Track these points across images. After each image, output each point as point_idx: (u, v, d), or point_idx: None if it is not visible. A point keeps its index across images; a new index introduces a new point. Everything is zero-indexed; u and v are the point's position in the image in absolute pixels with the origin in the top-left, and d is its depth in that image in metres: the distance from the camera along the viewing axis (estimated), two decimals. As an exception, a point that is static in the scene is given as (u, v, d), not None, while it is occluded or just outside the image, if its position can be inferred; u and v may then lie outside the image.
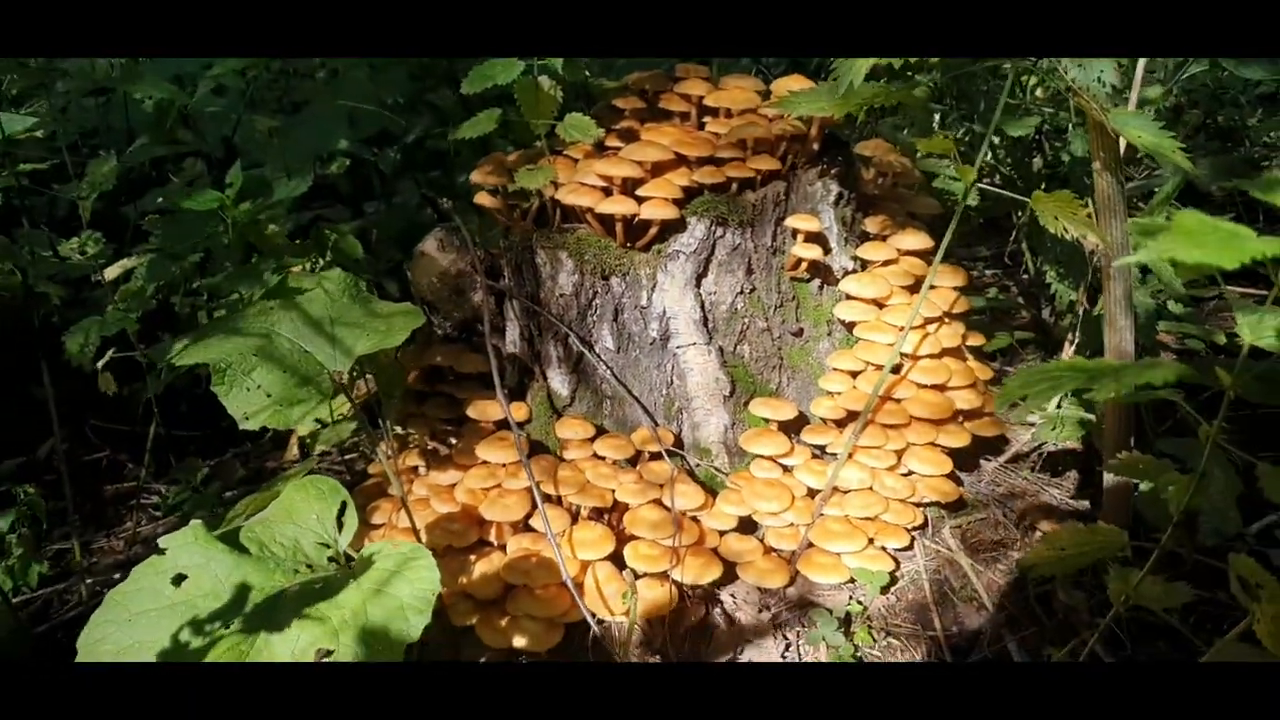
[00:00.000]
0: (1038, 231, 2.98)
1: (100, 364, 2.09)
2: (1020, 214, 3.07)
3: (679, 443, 2.03)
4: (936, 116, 3.47)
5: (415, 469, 2.11)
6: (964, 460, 2.26)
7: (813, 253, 1.91)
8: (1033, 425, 2.42)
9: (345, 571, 1.42)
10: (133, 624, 1.31)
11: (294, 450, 2.84)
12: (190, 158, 3.32)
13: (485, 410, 2.04)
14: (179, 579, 1.35)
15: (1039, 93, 3.82)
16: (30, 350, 3.16)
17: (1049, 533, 1.16)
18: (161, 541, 1.38)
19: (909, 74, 2.28)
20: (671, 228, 1.92)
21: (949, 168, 2.84)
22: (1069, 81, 1.53)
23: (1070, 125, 2.75)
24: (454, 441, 2.14)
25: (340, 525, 1.50)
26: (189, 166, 3.42)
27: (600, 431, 2.04)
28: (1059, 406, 2.13)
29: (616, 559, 1.84)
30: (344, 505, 1.51)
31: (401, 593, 1.35)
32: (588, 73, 2.05)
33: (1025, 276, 3.35)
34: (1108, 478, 1.81)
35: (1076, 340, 2.22)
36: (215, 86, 3.37)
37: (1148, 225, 0.92)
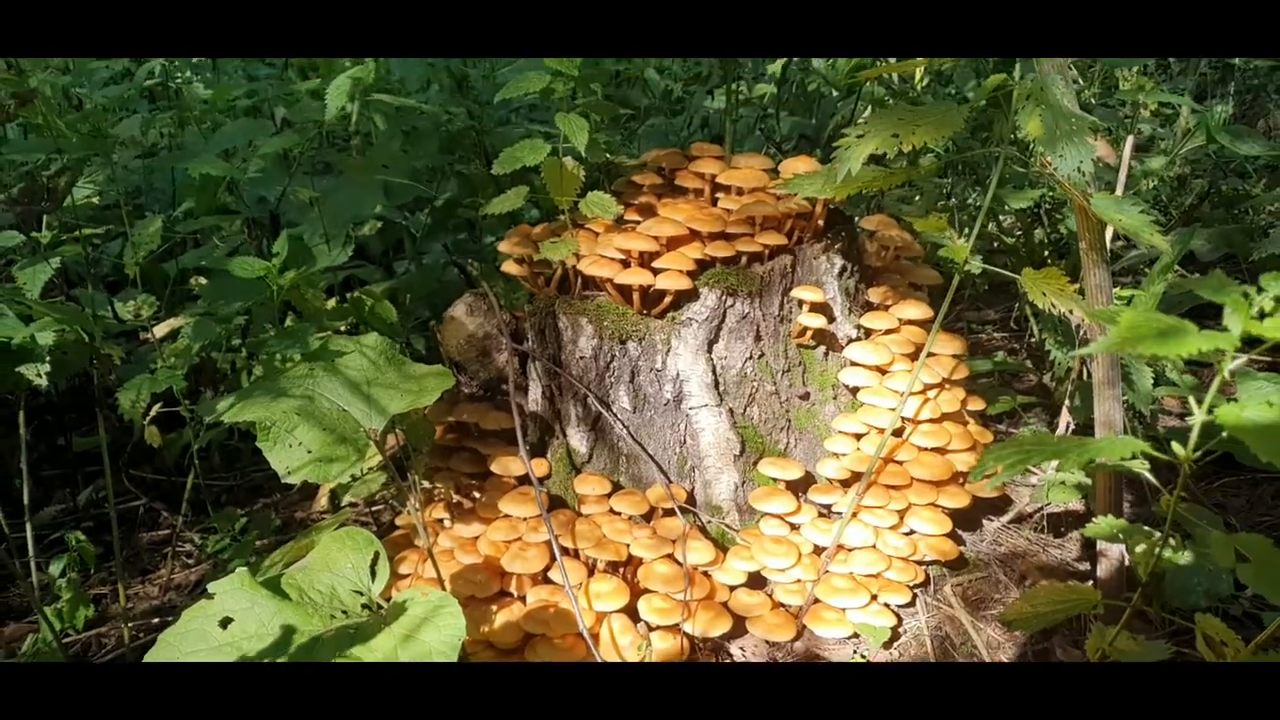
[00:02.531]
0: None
1: (148, 419, 2.23)
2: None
3: (691, 500, 2.13)
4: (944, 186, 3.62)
5: (441, 521, 2.22)
6: (967, 520, 2.35)
7: (817, 321, 2.04)
8: (1034, 486, 2.50)
9: (377, 618, 1.52)
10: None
11: (322, 501, 2.96)
12: (229, 215, 3.49)
13: (508, 466, 2.15)
14: (226, 622, 1.46)
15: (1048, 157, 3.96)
16: (73, 403, 3.32)
17: (1028, 590, 1.24)
18: (210, 587, 1.50)
19: (907, 154, 2.42)
20: (685, 297, 2.05)
21: (952, 238, 2.98)
22: (1050, 170, 1.65)
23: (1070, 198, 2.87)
24: (477, 495, 2.25)
25: (373, 574, 1.61)
26: (226, 226, 3.60)
27: (616, 488, 2.14)
28: (1056, 469, 2.22)
29: (630, 611, 1.94)
30: (377, 555, 1.62)
31: (430, 639, 1.45)
32: (609, 155, 2.20)
33: (1031, 340, 3.45)
34: (1100, 540, 1.89)
35: (1073, 405, 2.31)
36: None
37: (1106, 314, 1.03)
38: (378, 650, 1.44)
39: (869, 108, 3.65)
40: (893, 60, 3.29)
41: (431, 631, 1.47)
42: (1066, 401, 2.26)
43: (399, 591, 1.55)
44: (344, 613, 1.55)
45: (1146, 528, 1.26)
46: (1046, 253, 3.23)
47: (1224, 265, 3.72)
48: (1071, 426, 2.09)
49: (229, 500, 3.06)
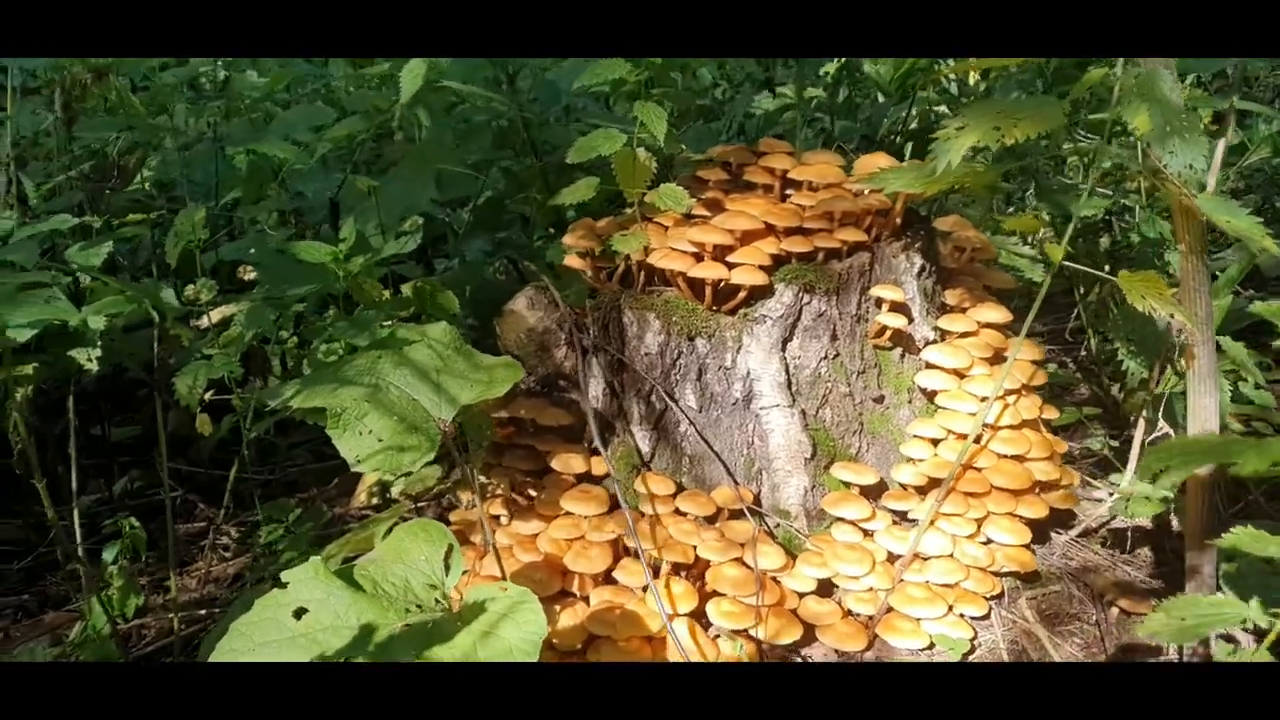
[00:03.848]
0: (1105, 310, 3.04)
1: (201, 406, 2.18)
2: (1081, 291, 3.12)
3: (757, 503, 2.07)
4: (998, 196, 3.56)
5: (497, 518, 2.16)
6: (1035, 533, 2.28)
7: (898, 321, 1.98)
8: (1099, 500, 2.43)
9: (454, 614, 1.46)
10: (256, 654, 1.36)
11: (361, 497, 2.90)
12: (264, 207, 3.45)
13: (569, 463, 2.10)
14: (300, 612, 1.41)
15: (1094, 173, 3.90)
16: (109, 391, 3.27)
17: (1168, 601, 1.18)
18: (284, 576, 1.44)
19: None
20: (759, 293, 1.99)
21: (1016, 243, 2.92)
22: (1160, 166, 1.59)
23: (1138, 207, 2.82)
24: (533, 493, 2.20)
25: (447, 568, 1.55)
26: (264, 220, 3.57)
27: (679, 489, 2.08)
28: (1135, 480, 2.15)
29: (698, 615, 1.87)
30: (450, 548, 1.57)
31: (510, 636, 1.40)
32: (683, 146, 2.16)
33: (1084, 354, 3.38)
34: (1190, 555, 1.82)
35: (1148, 418, 2.24)
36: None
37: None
38: (457, 647, 1.39)
39: (915, 112, 3.61)
40: (950, 63, 3.25)
41: (511, 628, 1.41)
42: (1144, 412, 2.19)
43: (476, 586, 1.49)
44: (418, 606, 1.49)
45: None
46: (1107, 264, 3.16)
47: (1282, 282, 3.64)
48: (1170, 432, 2.02)
49: (265, 495, 3.02)
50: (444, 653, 1.37)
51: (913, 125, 3.61)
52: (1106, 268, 3.26)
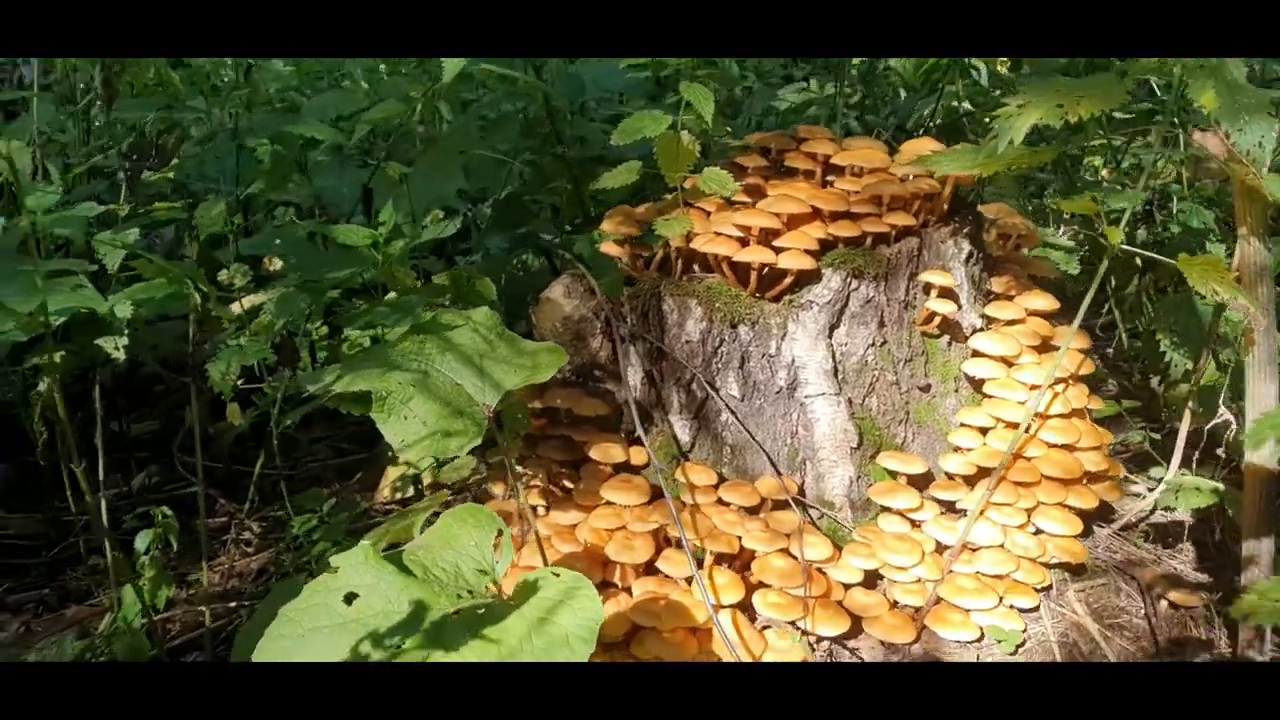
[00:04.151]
0: (1140, 304, 3.01)
1: (231, 395, 2.14)
2: (1113, 284, 3.09)
3: (801, 494, 2.03)
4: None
5: (534, 508, 2.12)
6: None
7: (948, 307, 1.94)
8: (1139, 495, 2.40)
9: (507, 599, 1.43)
10: (306, 640, 1.32)
11: (385, 492, 2.86)
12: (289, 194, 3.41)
13: (608, 452, 2.06)
14: (350, 598, 1.37)
15: (1105, 172, 3.88)
16: (125, 387, 3.23)
17: (1258, 583, 1.15)
18: (333, 560, 1.40)
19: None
20: (805, 279, 1.96)
21: (1052, 234, 2.89)
22: (1224, 149, 1.56)
23: (1176, 198, 2.79)
24: (568, 484, 2.16)
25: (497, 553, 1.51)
26: (281, 216, 3.53)
27: (720, 479, 2.05)
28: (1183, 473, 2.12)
29: (744, 606, 1.84)
30: (500, 533, 1.53)
31: (566, 622, 1.36)
32: (729, 129, 2.13)
33: (1112, 350, 3.34)
34: (1247, 545, 1.79)
35: (1193, 410, 2.20)
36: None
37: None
38: (510, 633, 1.35)
39: (940, 106, 3.58)
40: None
41: (567, 614, 1.37)
42: (1189, 404, 2.15)
43: (530, 571, 1.45)
44: (469, 592, 1.46)
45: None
46: (1138, 259, 3.13)
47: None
48: (1231, 419, 1.98)
49: (287, 490, 2.98)
50: (498, 638, 1.33)
51: (938, 120, 3.59)
52: (1138, 261, 3.23)
